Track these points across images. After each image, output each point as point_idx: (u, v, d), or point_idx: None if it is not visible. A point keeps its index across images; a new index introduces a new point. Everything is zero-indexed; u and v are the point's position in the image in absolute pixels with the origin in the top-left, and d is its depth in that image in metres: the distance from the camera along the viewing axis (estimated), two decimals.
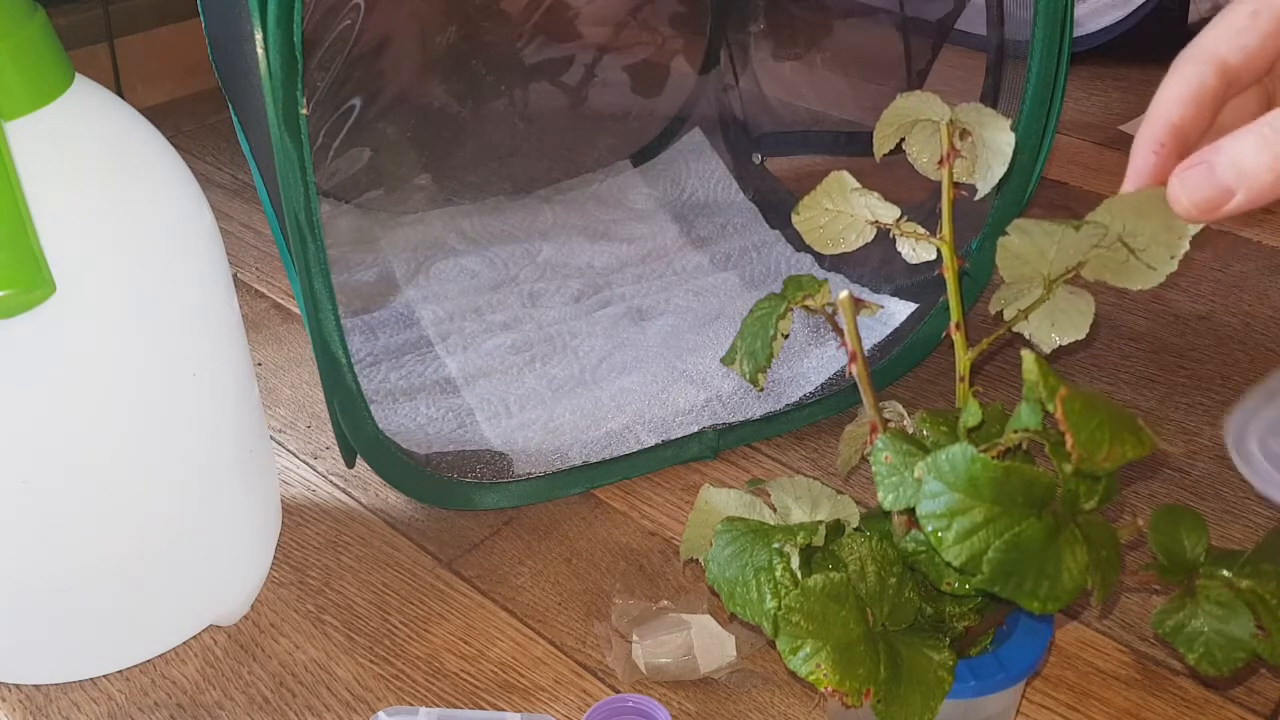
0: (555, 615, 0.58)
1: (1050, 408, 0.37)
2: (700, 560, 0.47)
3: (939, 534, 0.37)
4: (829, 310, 0.45)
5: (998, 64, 0.68)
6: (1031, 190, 0.66)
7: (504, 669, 0.55)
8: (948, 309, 0.68)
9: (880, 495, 0.40)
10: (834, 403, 0.69)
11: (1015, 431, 0.39)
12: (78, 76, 0.49)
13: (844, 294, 0.42)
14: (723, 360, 0.48)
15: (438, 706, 0.53)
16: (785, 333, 0.46)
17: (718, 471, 0.67)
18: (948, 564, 0.38)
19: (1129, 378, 0.73)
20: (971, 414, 0.41)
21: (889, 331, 0.71)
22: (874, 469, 0.40)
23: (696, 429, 0.67)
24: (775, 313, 0.45)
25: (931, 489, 0.37)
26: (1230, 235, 0.87)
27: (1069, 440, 0.36)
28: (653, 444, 0.66)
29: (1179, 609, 0.41)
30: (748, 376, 0.46)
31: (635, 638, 0.54)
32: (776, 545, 0.41)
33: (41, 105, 0.46)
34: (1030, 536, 0.37)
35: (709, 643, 0.53)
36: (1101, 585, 0.38)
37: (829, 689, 0.38)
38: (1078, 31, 1.11)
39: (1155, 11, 1.09)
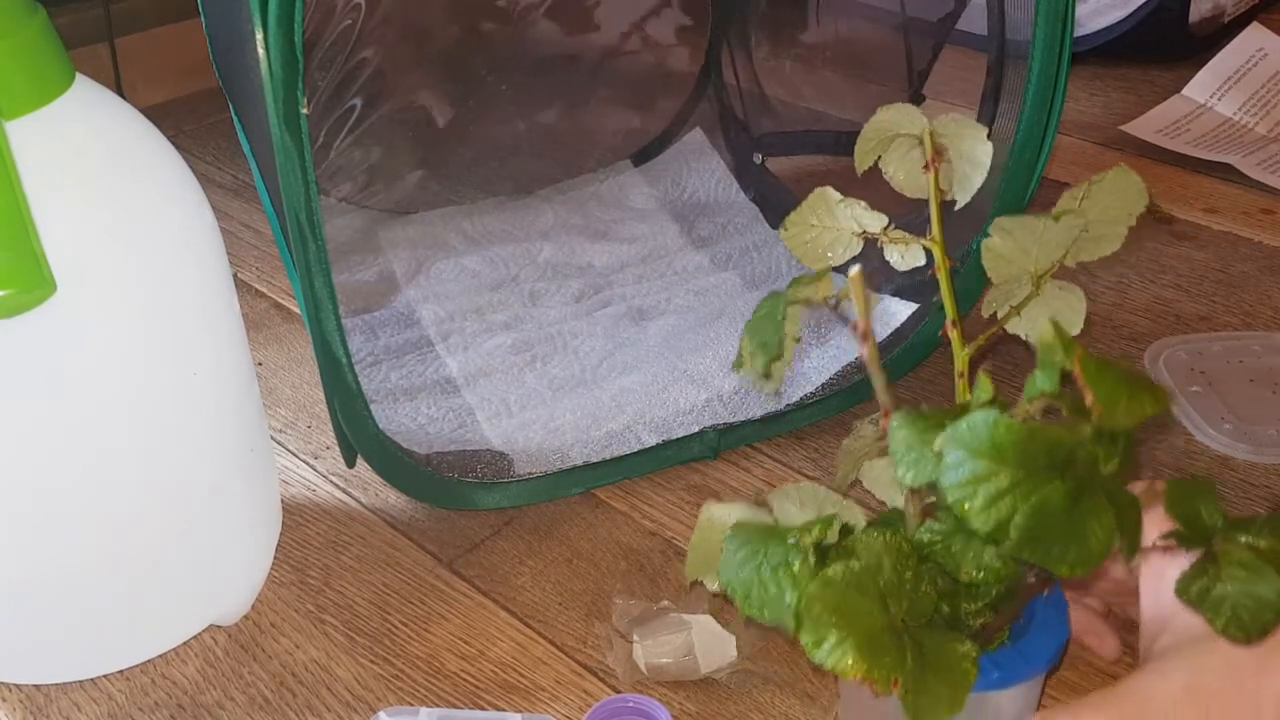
0: (556, 615, 0.58)
1: (1069, 366, 0.37)
2: (704, 582, 0.46)
3: (965, 503, 0.36)
4: (831, 303, 0.45)
5: (998, 64, 0.68)
6: (1032, 190, 0.66)
7: (504, 669, 0.55)
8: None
9: (899, 473, 0.39)
10: (834, 403, 0.69)
11: (1031, 399, 0.39)
12: (78, 76, 0.48)
13: (854, 270, 0.41)
14: (733, 367, 0.48)
15: (438, 706, 0.53)
16: (795, 335, 0.45)
17: (718, 471, 0.67)
18: (974, 532, 0.37)
19: None
20: (983, 389, 0.41)
21: (890, 331, 0.71)
22: (891, 448, 0.40)
23: (697, 429, 0.67)
24: (781, 303, 0.45)
25: (953, 459, 0.37)
26: (1231, 235, 0.87)
27: (1089, 397, 0.36)
28: (653, 444, 0.66)
29: (1202, 574, 0.40)
30: (760, 370, 0.45)
31: (636, 638, 0.54)
32: (792, 541, 0.41)
33: (42, 105, 0.46)
34: (1056, 500, 0.37)
35: (709, 643, 0.53)
36: (1128, 547, 0.38)
37: (858, 678, 0.38)
38: (1078, 31, 1.11)
39: (1155, 11, 1.09)
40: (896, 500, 0.45)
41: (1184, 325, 0.77)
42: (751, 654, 0.54)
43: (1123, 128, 1.00)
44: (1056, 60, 0.62)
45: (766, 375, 0.45)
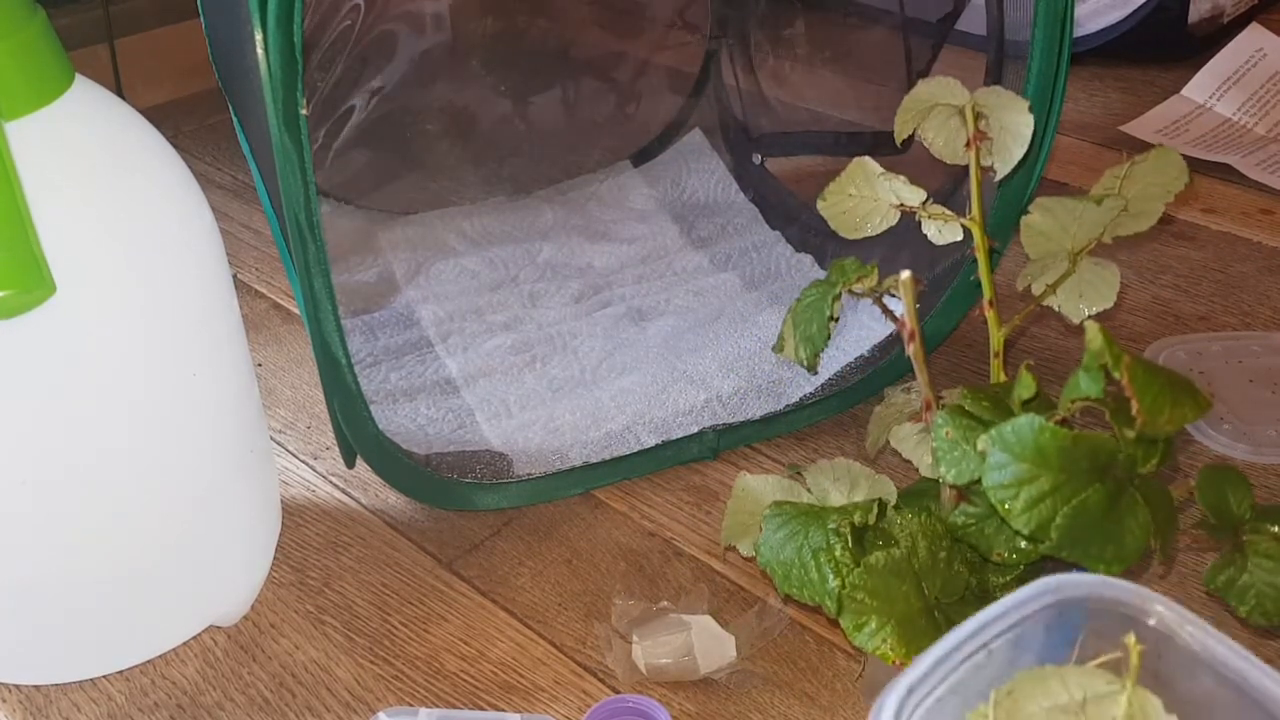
0: (555, 616, 0.58)
1: (1116, 374, 0.37)
2: (739, 547, 0.47)
3: (1007, 504, 0.37)
4: (876, 293, 0.47)
5: (998, 64, 0.68)
6: (1032, 190, 0.66)
7: (504, 669, 0.55)
8: (949, 308, 0.69)
9: (942, 470, 0.40)
10: (834, 403, 0.69)
11: (1073, 400, 0.40)
12: (78, 76, 0.49)
13: (905, 274, 0.43)
14: (774, 349, 0.49)
15: (438, 707, 0.53)
16: (835, 316, 0.47)
17: (718, 472, 0.67)
18: (1016, 532, 0.38)
19: None
20: (1025, 386, 0.41)
21: (891, 331, 0.71)
22: (935, 444, 0.41)
23: (696, 429, 0.67)
24: (829, 295, 0.46)
25: (997, 460, 0.38)
26: (1230, 235, 0.87)
27: (1134, 405, 0.37)
28: (653, 444, 0.66)
29: (1229, 564, 0.41)
30: (805, 362, 0.47)
31: (635, 638, 0.54)
32: (833, 526, 0.42)
33: (41, 105, 0.46)
34: (1095, 502, 0.38)
35: (709, 643, 0.53)
36: (1162, 544, 0.38)
37: (896, 661, 0.39)
38: (1078, 31, 1.11)
39: (1155, 11, 1.09)
40: (922, 461, 0.47)
41: (1183, 325, 0.77)
42: (751, 654, 0.54)
43: (1122, 128, 1.00)
44: (1056, 61, 0.62)
45: (812, 370, 0.47)
